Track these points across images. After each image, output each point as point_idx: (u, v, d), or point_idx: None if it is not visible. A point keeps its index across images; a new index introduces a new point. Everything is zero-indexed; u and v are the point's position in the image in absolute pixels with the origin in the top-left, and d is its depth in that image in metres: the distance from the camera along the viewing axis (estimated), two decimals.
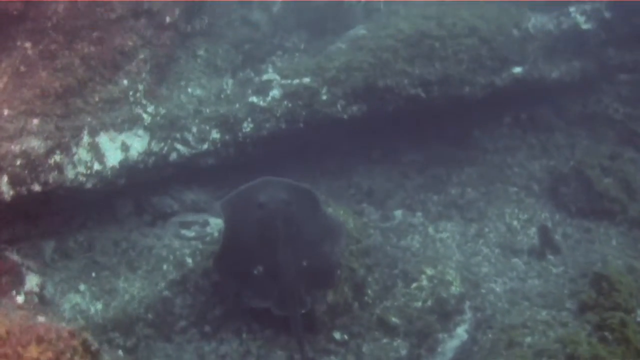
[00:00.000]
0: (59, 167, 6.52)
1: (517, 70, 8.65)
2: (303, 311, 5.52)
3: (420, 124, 8.87)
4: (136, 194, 7.66)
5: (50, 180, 6.48)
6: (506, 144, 9.62)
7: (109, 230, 7.49)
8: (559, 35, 9.27)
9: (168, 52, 7.66)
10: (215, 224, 7.29)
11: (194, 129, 7.28)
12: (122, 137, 6.97)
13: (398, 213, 8.44)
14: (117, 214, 7.65)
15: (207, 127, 7.37)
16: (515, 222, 8.29)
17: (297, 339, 5.40)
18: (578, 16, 9.39)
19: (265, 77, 7.93)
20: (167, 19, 7.57)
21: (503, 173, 9.07)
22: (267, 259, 5.73)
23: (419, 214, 8.49)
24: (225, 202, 6.10)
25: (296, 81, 7.82)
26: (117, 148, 6.85)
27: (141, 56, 7.35)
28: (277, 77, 7.85)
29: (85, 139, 6.65)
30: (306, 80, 7.77)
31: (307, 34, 9.25)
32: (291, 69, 8.09)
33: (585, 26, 9.37)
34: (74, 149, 6.59)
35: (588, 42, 9.48)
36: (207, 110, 7.45)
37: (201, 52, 8.06)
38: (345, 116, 7.75)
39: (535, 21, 9.07)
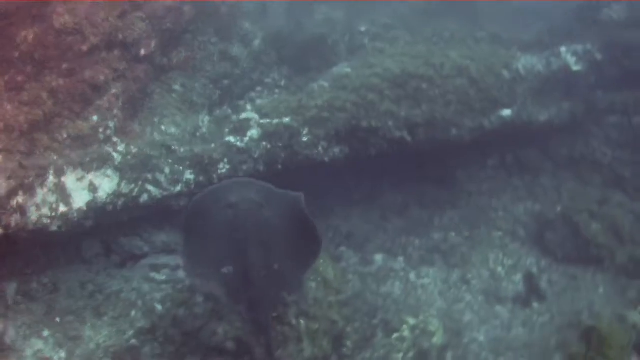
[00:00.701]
0: (21, 210, 6.15)
1: (507, 112, 8.39)
2: (274, 315, 5.51)
3: (402, 164, 8.55)
4: (104, 234, 7.22)
5: (12, 224, 6.09)
6: (491, 187, 9.36)
7: (75, 272, 7.08)
8: (549, 76, 9.07)
9: (142, 87, 7.29)
10: None
11: (167, 170, 6.90)
12: (91, 177, 6.57)
13: (378, 257, 8.17)
14: (84, 254, 7.25)
15: (181, 168, 6.96)
16: (499, 268, 8.07)
17: (267, 340, 5.40)
18: (569, 57, 9.15)
19: (243, 115, 7.60)
20: (143, 52, 7.18)
21: (487, 216, 8.79)
22: (237, 259, 5.55)
23: (400, 258, 8.17)
24: (195, 200, 5.90)
25: (276, 121, 7.49)
26: (84, 189, 6.43)
27: (113, 90, 6.96)
28: (256, 116, 7.52)
29: (51, 179, 6.27)
30: (286, 120, 7.47)
31: (289, 70, 8.98)
32: (271, 107, 7.74)
33: (575, 68, 9.12)
34: (39, 190, 6.13)
35: (578, 83, 9.23)
36: (181, 150, 7.06)
37: (177, 87, 7.65)
38: (326, 159, 7.44)
39: (526, 62, 8.77)
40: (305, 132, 7.29)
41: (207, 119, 7.74)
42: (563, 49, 9.17)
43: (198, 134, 7.43)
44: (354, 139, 7.56)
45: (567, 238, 8.24)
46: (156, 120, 7.41)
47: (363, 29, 9.50)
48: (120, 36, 6.91)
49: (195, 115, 7.72)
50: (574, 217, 8.28)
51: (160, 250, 7.40)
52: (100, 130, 6.77)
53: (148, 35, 7.16)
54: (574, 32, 9.53)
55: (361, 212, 8.74)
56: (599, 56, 9.26)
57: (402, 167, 8.62)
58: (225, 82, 8.15)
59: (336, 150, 7.47)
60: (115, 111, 6.89)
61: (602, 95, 9.51)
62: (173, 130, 7.27)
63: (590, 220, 8.23)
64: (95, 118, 6.76)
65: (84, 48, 6.63)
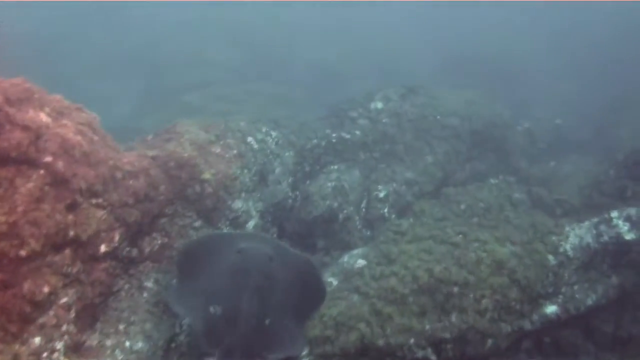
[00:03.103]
0: None
1: (551, 309, 6.85)
2: None
3: None
4: None
5: None
6: None
7: None
8: (598, 249, 7.41)
9: (103, 290, 5.78)
10: None
11: None
12: None
13: None
14: None
15: None
16: None
17: None
18: (621, 224, 7.54)
19: None
20: (103, 248, 5.68)
21: None
22: (230, 302, 5.40)
23: None
24: (204, 235, 5.93)
25: None
26: None
27: (63, 300, 5.48)
28: None
29: None
30: None
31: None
32: None
33: (628, 236, 7.51)
34: None
35: (630, 252, 7.63)
36: None
37: (149, 284, 6.14)
38: None
39: (574, 238, 7.21)
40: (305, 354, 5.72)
41: (186, 322, 6.10)
42: (615, 214, 7.57)
43: (174, 345, 5.81)
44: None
45: None
46: (121, 328, 5.89)
47: (382, 194, 7.94)
48: (72, 233, 5.36)
49: (171, 318, 6.08)
50: None
51: None
52: (44, 355, 5.31)
53: (110, 226, 5.64)
54: (626, 191, 7.90)
55: None
56: None
57: None
58: None
59: None
60: (64, 327, 5.39)
61: None
62: (140, 345, 5.70)
63: None
64: (37, 340, 5.22)
65: (22, 254, 5.05)
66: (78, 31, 21.60)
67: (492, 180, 10.56)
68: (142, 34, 21.63)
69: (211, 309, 5.40)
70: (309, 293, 5.94)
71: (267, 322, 5.42)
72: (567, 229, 7.43)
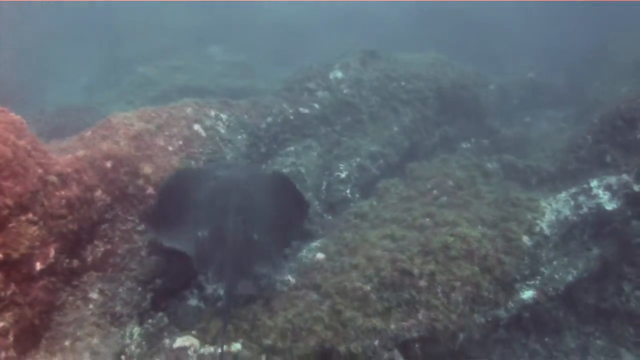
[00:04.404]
0: None
1: (528, 294, 6.25)
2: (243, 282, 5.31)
3: None
4: None
5: None
6: (502, 353, 7.36)
7: None
8: (577, 222, 6.89)
9: (44, 308, 5.27)
10: None
11: None
12: None
13: None
14: None
15: None
16: None
17: (225, 304, 5.28)
18: (601, 193, 7.01)
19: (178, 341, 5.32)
20: (38, 265, 5.06)
21: None
22: (214, 222, 5.50)
23: None
24: (177, 172, 6.00)
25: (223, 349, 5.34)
26: None
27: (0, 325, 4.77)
28: (196, 342, 5.25)
29: None
30: (235, 347, 5.19)
31: None
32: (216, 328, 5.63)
33: (609, 206, 7.00)
34: None
35: (611, 222, 7.14)
36: None
37: (94, 295, 5.52)
38: None
39: (550, 214, 6.65)
40: None
41: (136, 331, 5.81)
42: (594, 184, 7.05)
43: (124, 358, 5.49)
44: None
45: None
46: (67, 344, 5.37)
47: (344, 175, 7.32)
48: (0, 255, 4.66)
49: (120, 329, 5.66)
50: None
51: None
52: None
53: (44, 241, 5.05)
54: (605, 157, 7.34)
55: None
56: (637, 187, 7.02)
57: None
58: (158, 281, 5.88)
59: None
60: (3, 354, 4.96)
61: (638, 225, 7.42)
62: None
63: None
64: None
65: None
66: None
67: (464, 145, 9.99)
68: None
69: (199, 234, 5.44)
70: (290, 206, 6.03)
71: (255, 237, 5.53)
72: (543, 204, 6.84)
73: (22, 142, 5.12)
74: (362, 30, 19.16)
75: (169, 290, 6.05)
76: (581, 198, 7.17)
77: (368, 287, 5.71)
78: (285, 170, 7.37)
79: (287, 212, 5.98)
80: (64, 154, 5.72)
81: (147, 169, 6.11)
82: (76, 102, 13.85)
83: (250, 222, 5.59)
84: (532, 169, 8.00)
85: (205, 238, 5.44)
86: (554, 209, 6.92)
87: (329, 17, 20.25)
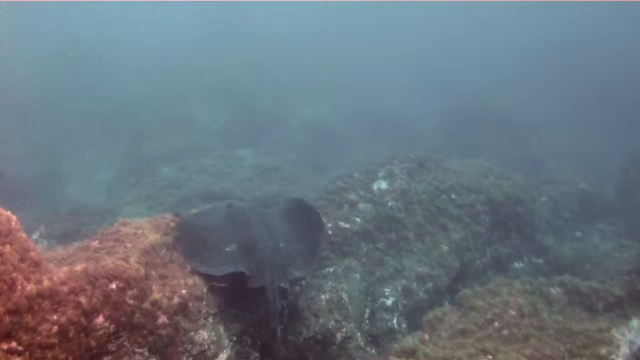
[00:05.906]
0: None
1: None
2: (282, 285, 5.23)
3: None
4: None
5: None
6: None
7: None
8: None
9: None
10: None
11: None
12: None
13: None
14: None
15: None
16: None
17: (273, 308, 5.13)
18: None
19: None
20: None
21: None
22: (240, 235, 5.55)
23: None
24: (186, 215, 5.99)
25: None
26: None
27: None
28: None
29: None
30: None
31: None
32: None
33: None
34: None
35: None
36: None
37: None
38: None
39: (625, 345, 5.64)
40: None
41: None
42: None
43: None
44: None
45: None
46: None
47: (389, 302, 6.35)
48: None
49: None
50: None
51: None
52: None
53: None
54: None
55: None
56: None
57: None
58: None
59: None
60: None
61: None
62: None
63: None
64: None
65: None
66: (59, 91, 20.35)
67: (516, 264, 8.99)
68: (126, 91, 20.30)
69: (227, 249, 5.40)
70: (306, 222, 6.17)
71: (281, 245, 5.59)
72: (616, 335, 5.71)
73: (8, 249, 4.15)
74: (392, 132, 18.64)
75: None
76: None
77: None
78: (323, 297, 6.37)
79: (305, 226, 6.11)
80: (62, 265, 4.72)
81: (156, 294, 5.08)
82: (95, 199, 13.13)
83: (272, 233, 5.66)
84: (598, 293, 6.92)
85: (235, 251, 5.39)
86: (627, 339, 5.80)
87: (360, 120, 19.83)
